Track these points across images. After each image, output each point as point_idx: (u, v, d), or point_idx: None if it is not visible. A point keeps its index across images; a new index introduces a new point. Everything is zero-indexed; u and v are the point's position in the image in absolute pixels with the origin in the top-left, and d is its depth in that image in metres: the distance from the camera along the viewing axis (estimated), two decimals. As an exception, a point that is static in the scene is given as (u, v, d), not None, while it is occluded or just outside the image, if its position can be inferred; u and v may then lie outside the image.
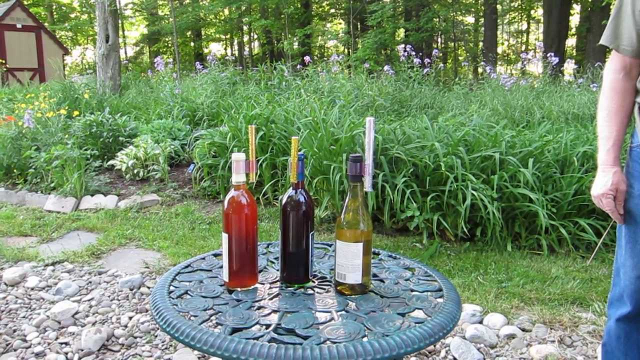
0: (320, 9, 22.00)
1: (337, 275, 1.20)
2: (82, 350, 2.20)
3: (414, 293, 1.23)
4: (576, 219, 3.29)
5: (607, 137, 1.39)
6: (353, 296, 1.20)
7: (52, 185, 4.55)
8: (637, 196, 1.38)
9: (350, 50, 16.71)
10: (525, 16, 22.82)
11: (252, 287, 1.24)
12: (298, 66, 7.73)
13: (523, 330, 2.34)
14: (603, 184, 1.39)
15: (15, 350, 2.22)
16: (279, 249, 1.28)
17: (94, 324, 2.43)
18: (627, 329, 1.47)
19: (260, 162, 4.13)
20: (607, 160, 1.39)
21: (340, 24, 22.09)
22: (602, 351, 1.57)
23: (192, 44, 24.10)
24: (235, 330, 1.04)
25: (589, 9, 13.31)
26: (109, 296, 2.73)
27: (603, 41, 1.42)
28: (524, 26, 24.24)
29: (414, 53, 6.68)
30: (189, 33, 22.02)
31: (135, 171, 4.77)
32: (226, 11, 20.53)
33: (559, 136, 3.77)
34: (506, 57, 22.45)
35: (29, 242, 3.61)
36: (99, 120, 5.23)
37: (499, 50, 21.20)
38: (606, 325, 1.56)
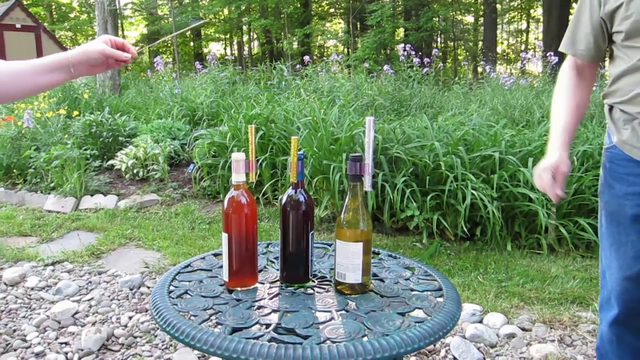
0: (319, 9, 21.99)
1: (337, 274, 1.20)
2: (82, 350, 2.20)
3: (413, 292, 1.23)
4: (576, 218, 3.29)
5: (557, 123, 1.43)
6: (353, 296, 1.20)
7: (52, 185, 4.55)
8: (619, 196, 1.38)
9: (349, 50, 16.71)
10: (524, 15, 22.83)
11: (252, 286, 1.24)
12: (297, 66, 7.73)
13: (523, 329, 2.34)
14: (546, 162, 1.41)
15: (15, 350, 2.22)
16: (279, 249, 1.28)
17: (93, 323, 2.43)
18: (618, 332, 1.47)
19: (260, 161, 4.13)
20: (555, 144, 1.42)
21: (339, 23, 22.09)
22: (597, 354, 1.57)
23: (191, 43, 24.09)
24: (235, 330, 1.04)
25: (589, 8, 13.28)
26: (108, 296, 2.73)
27: (562, 48, 1.47)
28: (524, 25, 24.25)
29: (413, 52, 6.67)
30: (188, 33, 22.00)
31: (135, 171, 4.77)
32: (225, 11, 20.52)
33: (558, 135, 3.77)
34: (506, 57, 22.45)
35: (28, 242, 3.61)
36: (98, 120, 5.22)
37: (499, 49, 21.20)
38: (599, 328, 1.55)
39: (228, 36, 24.32)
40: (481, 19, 18.10)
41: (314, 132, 3.91)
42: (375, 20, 14.01)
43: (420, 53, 7.28)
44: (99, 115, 5.34)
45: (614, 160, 1.39)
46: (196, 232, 3.71)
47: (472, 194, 3.19)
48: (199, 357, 2.13)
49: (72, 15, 24.75)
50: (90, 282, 2.91)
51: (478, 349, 2.19)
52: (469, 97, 6.33)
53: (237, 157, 1.18)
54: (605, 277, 1.47)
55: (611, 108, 1.39)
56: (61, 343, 2.27)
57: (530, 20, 23.30)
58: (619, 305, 1.43)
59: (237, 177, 1.20)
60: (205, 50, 21.60)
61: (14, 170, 4.96)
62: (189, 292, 1.22)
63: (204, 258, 1.45)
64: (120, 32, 20.46)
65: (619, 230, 1.39)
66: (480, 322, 2.40)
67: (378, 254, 1.50)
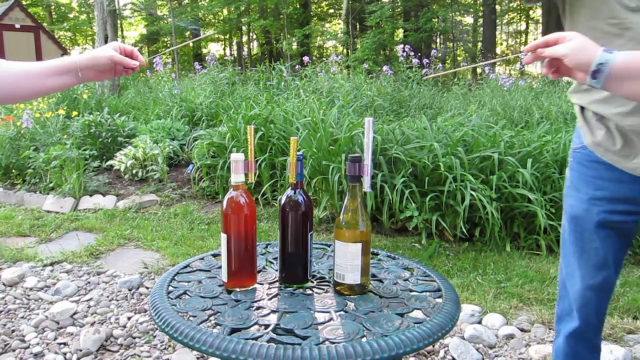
0: (319, 9, 22.00)
1: (336, 275, 1.20)
2: (80, 350, 2.19)
3: (412, 293, 1.23)
4: (575, 219, 3.28)
5: None
6: (352, 296, 1.19)
7: (51, 185, 4.54)
8: (586, 201, 1.31)
9: (349, 51, 16.71)
10: (524, 16, 22.84)
11: (251, 287, 1.24)
12: (297, 66, 7.73)
13: (522, 330, 2.34)
14: None
15: (13, 350, 2.21)
16: (278, 249, 1.27)
17: (92, 324, 2.43)
18: (575, 345, 1.42)
19: (259, 162, 4.13)
20: None
21: (339, 24, 22.08)
22: None
23: (190, 44, 24.08)
24: (234, 331, 1.04)
25: (588, 10, 13.29)
26: (107, 296, 2.73)
27: None
28: (523, 26, 24.26)
29: (412, 53, 6.68)
30: (187, 33, 22.00)
31: (134, 171, 4.76)
32: (225, 11, 20.52)
33: (557, 136, 3.78)
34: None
35: (27, 243, 3.60)
36: (97, 120, 5.22)
37: (498, 50, 21.20)
38: (554, 342, 1.49)
39: (227, 37, 24.32)
40: (480, 20, 18.11)
41: (313, 133, 3.91)
42: (374, 21, 14.02)
43: (419, 54, 7.29)
44: (98, 115, 5.33)
45: (582, 162, 1.32)
46: (195, 233, 3.70)
47: (471, 194, 3.19)
48: (197, 358, 2.13)
49: (71, 16, 24.74)
50: (89, 282, 2.91)
51: (477, 349, 2.19)
52: (468, 98, 6.34)
53: (236, 157, 1.18)
54: (566, 287, 1.41)
55: (583, 108, 1.31)
56: (60, 343, 2.27)
57: (530, 22, 23.31)
58: (580, 317, 1.37)
59: (236, 177, 1.19)
60: (205, 51, 21.59)
61: (13, 171, 4.95)
62: (187, 292, 1.22)
63: (202, 258, 1.45)
64: (119, 33, 20.47)
65: (582, 236, 1.33)
66: (479, 322, 2.40)
67: (377, 254, 1.50)
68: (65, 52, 19.88)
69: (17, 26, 17.24)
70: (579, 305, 1.37)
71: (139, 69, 1.28)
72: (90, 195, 4.44)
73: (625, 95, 1.11)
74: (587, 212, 1.31)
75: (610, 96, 1.19)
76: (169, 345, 2.24)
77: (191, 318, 1.08)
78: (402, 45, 6.74)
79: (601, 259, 1.32)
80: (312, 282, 1.28)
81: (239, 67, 9.09)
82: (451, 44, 20.91)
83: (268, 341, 0.99)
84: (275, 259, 1.44)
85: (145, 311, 2.54)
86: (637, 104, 1.14)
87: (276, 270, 1.35)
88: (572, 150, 1.37)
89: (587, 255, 1.33)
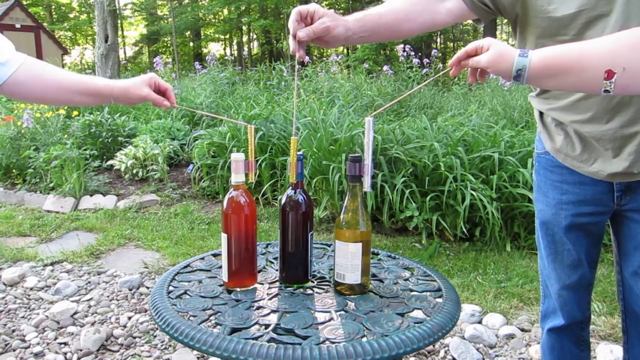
0: (319, 9, 21.94)
1: (336, 275, 1.20)
2: (81, 350, 2.20)
3: (413, 293, 1.23)
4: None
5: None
6: (352, 296, 1.19)
7: (51, 185, 4.54)
8: (554, 205, 1.33)
9: (349, 51, 16.71)
10: (524, 16, 22.79)
11: (251, 287, 1.24)
12: (297, 66, 7.73)
13: (522, 330, 2.34)
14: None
15: (14, 350, 2.22)
16: (278, 249, 1.27)
17: (93, 324, 2.43)
18: (561, 340, 1.45)
19: (259, 162, 4.13)
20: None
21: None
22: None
23: (191, 44, 24.09)
24: (234, 330, 1.04)
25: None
26: (108, 296, 2.73)
27: None
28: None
29: (413, 53, 6.68)
30: (188, 33, 22.01)
31: (135, 171, 4.76)
32: (225, 11, 20.52)
33: (558, 136, 3.77)
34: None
35: (28, 242, 3.60)
36: (98, 120, 5.22)
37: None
38: (541, 340, 1.53)
39: (227, 36, 24.32)
40: (481, 20, 18.05)
41: (314, 133, 3.91)
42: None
43: (419, 54, 7.29)
44: (99, 115, 5.34)
45: (547, 167, 1.34)
46: (195, 233, 3.71)
47: (472, 194, 3.19)
48: (198, 358, 2.13)
49: (71, 15, 24.75)
50: (89, 282, 2.91)
51: (477, 349, 2.19)
52: (468, 97, 6.33)
53: (237, 157, 1.18)
54: (547, 286, 1.44)
55: (542, 113, 1.33)
56: (60, 343, 2.27)
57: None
58: (564, 315, 1.41)
59: (237, 177, 1.19)
60: (205, 51, 21.59)
61: (13, 170, 4.96)
62: (188, 292, 1.22)
63: (203, 258, 1.45)
64: (119, 32, 20.47)
65: (554, 239, 1.36)
66: (480, 322, 2.40)
67: (377, 254, 1.50)
68: (65, 52, 19.91)
69: (18, 26, 17.25)
70: (560, 305, 1.41)
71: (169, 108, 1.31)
72: (91, 195, 4.44)
73: (547, 88, 1.19)
74: (556, 217, 1.33)
75: (569, 104, 1.20)
76: (170, 345, 2.24)
77: (191, 318, 1.08)
78: (402, 45, 6.73)
79: (575, 260, 1.35)
80: (312, 282, 1.28)
81: (239, 67, 9.09)
82: (452, 44, 20.91)
83: (268, 341, 0.99)
84: (275, 258, 1.44)
85: (146, 311, 2.54)
86: (595, 112, 1.16)
87: (276, 270, 1.35)
88: (537, 155, 1.39)
89: (561, 257, 1.36)
